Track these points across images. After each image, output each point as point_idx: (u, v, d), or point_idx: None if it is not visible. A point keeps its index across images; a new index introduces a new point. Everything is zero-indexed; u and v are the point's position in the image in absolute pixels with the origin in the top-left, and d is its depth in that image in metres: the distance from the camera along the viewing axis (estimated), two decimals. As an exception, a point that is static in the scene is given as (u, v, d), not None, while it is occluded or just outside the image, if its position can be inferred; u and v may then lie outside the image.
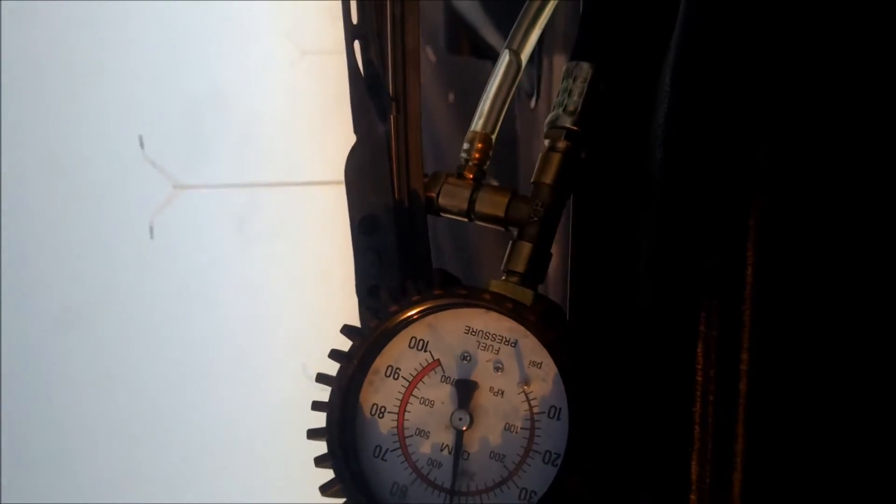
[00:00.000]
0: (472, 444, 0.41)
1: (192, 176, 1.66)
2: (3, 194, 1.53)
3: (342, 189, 0.45)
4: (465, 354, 0.42)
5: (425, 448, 0.41)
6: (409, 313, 0.42)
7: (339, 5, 0.45)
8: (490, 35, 0.91)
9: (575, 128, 0.44)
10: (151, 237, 1.63)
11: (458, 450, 0.40)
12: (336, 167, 0.45)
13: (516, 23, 0.46)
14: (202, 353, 1.64)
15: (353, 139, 0.46)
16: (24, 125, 1.58)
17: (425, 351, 0.42)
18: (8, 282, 1.55)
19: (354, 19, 0.45)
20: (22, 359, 1.57)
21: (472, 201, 0.45)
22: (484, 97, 0.46)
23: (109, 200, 1.63)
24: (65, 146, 1.61)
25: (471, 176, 0.45)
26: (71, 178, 1.60)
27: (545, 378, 0.40)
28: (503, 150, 0.49)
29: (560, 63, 0.69)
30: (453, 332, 0.42)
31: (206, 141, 1.65)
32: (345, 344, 0.42)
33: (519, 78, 0.46)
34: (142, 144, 1.57)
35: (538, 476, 0.40)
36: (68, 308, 1.61)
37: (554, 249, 0.44)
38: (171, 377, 1.63)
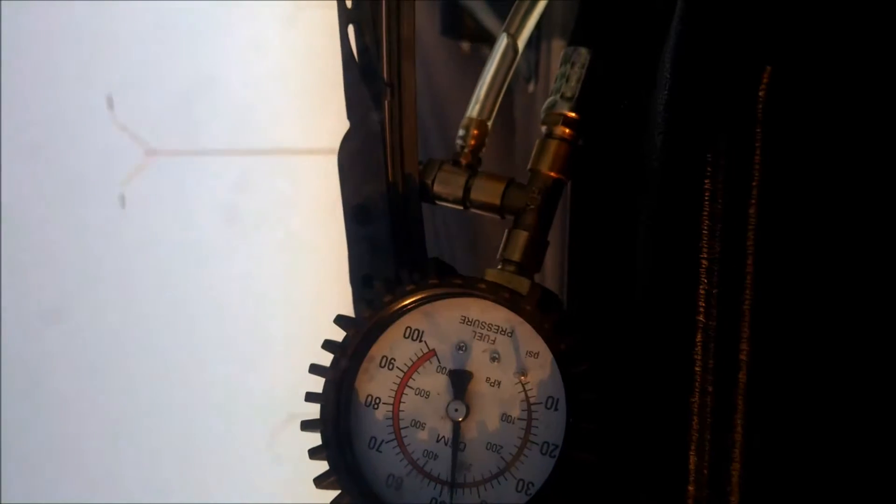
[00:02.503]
0: (469, 435, 0.40)
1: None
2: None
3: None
4: (461, 344, 0.41)
5: (421, 439, 0.41)
6: (404, 303, 0.41)
7: None
8: (487, 18, 0.90)
9: (572, 114, 0.43)
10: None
11: (456, 442, 0.40)
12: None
13: (514, 6, 0.45)
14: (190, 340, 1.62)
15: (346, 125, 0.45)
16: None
17: (420, 341, 0.42)
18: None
19: (349, 3, 0.44)
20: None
21: (467, 189, 0.44)
22: (480, 82, 0.45)
23: (85, 182, 1.59)
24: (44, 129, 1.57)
25: (466, 163, 0.45)
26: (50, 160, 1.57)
27: (542, 368, 0.40)
28: (500, 137, 0.49)
29: (559, 47, 0.68)
30: (449, 321, 0.41)
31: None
32: (339, 334, 0.41)
33: (516, 63, 0.46)
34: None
35: (536, 467, 0.39)
36: (47, 299, 1.59)
37: (550, 237, 0.44)
38: (157, 368, 1.61)
